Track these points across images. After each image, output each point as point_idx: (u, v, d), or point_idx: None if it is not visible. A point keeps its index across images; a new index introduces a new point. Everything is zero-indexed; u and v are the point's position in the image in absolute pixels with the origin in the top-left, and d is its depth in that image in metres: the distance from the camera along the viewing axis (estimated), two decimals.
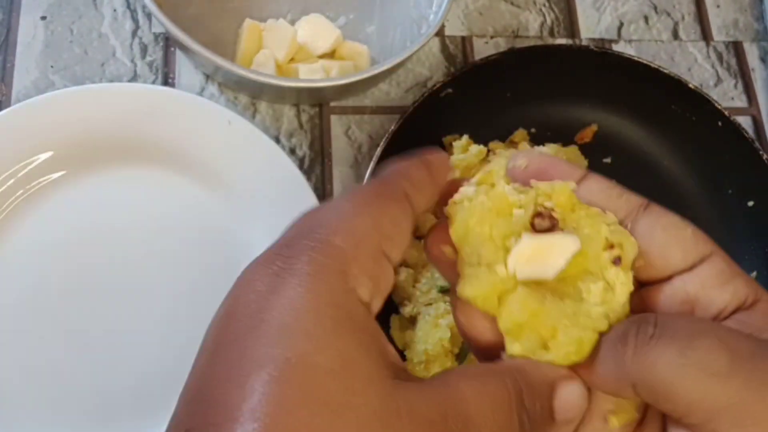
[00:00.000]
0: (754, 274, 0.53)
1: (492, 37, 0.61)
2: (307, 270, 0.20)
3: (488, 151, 0.52)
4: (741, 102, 0.62)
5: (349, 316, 0.20)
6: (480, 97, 0.54)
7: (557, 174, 0.24)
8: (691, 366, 0.20)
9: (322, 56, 0.55)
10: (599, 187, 0.24)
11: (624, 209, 0.24)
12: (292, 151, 0.54)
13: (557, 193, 0.23)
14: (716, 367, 0.20)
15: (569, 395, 0.22)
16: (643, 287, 0.24)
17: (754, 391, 0.20)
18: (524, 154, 0.25)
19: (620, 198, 0.24)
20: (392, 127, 0.50)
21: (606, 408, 0.24)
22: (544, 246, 0.23)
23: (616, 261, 0.23)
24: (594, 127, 0.56)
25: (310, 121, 0.55)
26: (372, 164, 0.49)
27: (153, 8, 0.48)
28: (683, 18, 0.64)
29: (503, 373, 0.22)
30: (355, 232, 0.22)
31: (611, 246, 0.23)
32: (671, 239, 0.23)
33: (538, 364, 0.22)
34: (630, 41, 0.63)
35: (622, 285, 0.23)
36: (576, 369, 0.23)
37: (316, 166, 0.54)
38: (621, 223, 0.24)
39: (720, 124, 0.54)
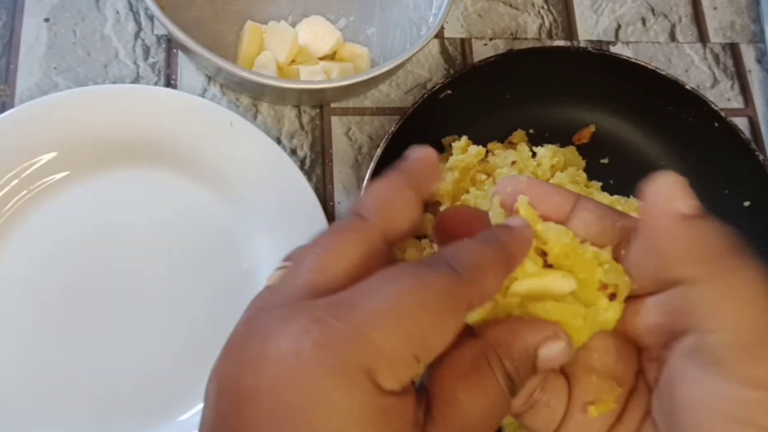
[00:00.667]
0: None
1: (491, 39, 0.61)
2: (341, 370, 0.20)
3: (487, 152, 0.52)
4: (737, 103, 0.62)
5: (389, 422, 0.20)
6: (479, 98, 0.54)
7: (551, 204, 0.25)
8: (765, 291, 0.21)
9: (322, 58, 0.56)
10: (592, 217, 0.25)
11: (618, 237, 0.25)
12: (293, 152, 0.55)
13: (554, 240, 0.24)
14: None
15: (550, 351, 0.23)
16: None
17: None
18: (510, 182, 0.26)
19: (614, 227, 0.25)
20: (392, 128, 0.50)
21: (585, 399, 0.24)
22: (542, 284, 0.24)
23: (612, 297, 0.24)
24: (592, 128, 0.57)
25: (311, 122, 0.56)
26: (372, 165, 0.50)
27: (155, 10, 0.48)
28: (680, 20, 0.65)
29: (485, 354, 0.22)
30: (394, 336, 0.20)
31: (606, 286, 0.24)
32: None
33: (520, 330, 0.23)
34: (627, 43, 0.63)
35: (614, 312, 0.24)
36: None
37: (317, 167, 0.55)
38: (616, 250, 0.25)
39: (717, 125, 0.54)
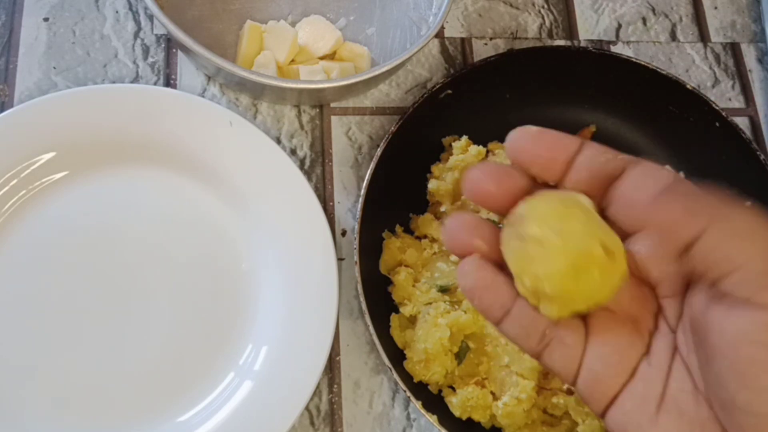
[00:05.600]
0: None
1: (491, 39, 0.61)
2: None
3: (487, 152, 0.52)
4: (738, 103, 0.62)
5: None
6: (479, 98, 0.54)
7: (560, 146, 0.26)
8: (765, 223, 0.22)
9: (322, 57, 0.56)
10: (595, 152, 0.25)
11: (610, 177, 0.25)
12: (292, 152, 0.55)
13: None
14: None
15: None
16: None
17: None
18: (518, 134, 0.27)
19: (615, 160, 0.25)
20: (392, 128, 0.50)
21: (603, 334, 0.25)
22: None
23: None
24: (592, 128, 0.57)
25: (310, 122, 0.56)
26: (372, 165, 0.50)
27: (155, 10, 0.48)
28: (681, 19, 0.65)
29: None
30: None
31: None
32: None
33: None
34: (628, 42, 0.63)
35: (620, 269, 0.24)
36: None
37: (317, 167, 0.55)
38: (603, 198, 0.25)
39: (717, 124, 0.54)
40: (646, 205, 0.23)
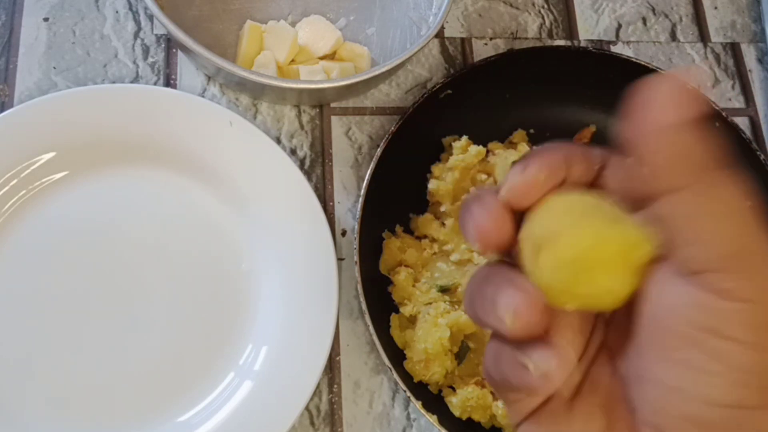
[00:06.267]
0: None
1: (491, 39, 0.61)
2: None
3: (487, 151, 0.52)
4: (738, 103, 0.62)
5: None
6: (479, 98, 0.54)
7: (584, 165, 0.24)
8: (745, 209, 0.20)
9: (322, 57, 0.56)
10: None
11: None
12: (292, 152, 0.55)
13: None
14: (758, 222, 0.21)
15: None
16: None
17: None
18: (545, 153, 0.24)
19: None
20: (392, 128, 0.50)
21: None
22: None
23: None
24: (592, 128, 0.57)
25: (310, 122, 0.56)
26: (372, 165, 0.50)
27: (155, 10, 0.48)
28: (681, 19, 0.65)
29: None
30: None
31: None
32: None
33: None
34: (628, 42, 0.63)
35: None
36: None
37: (317, 167, 0.55)
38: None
39: (717, 124, 0.54)
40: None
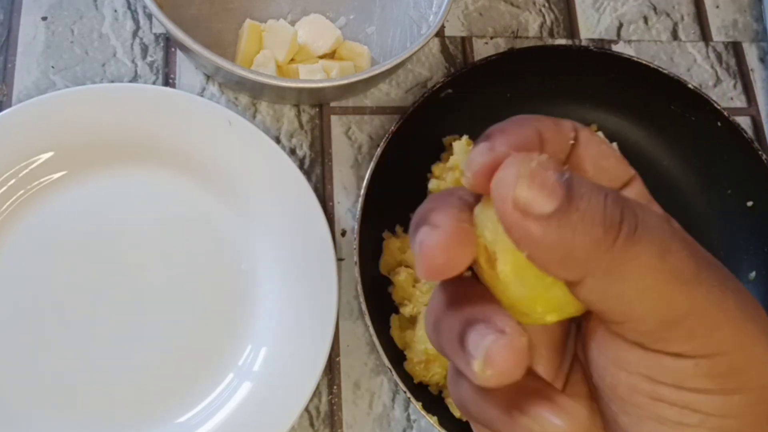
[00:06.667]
0: (753, 274, 0.53)
1: (492, 38, 0.61)
2: None
3: None
4: (740, 102, 0.62)
5: None
6: (480, 97, 0.54)
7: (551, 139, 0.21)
8: (666, 272, 0.18)
9: (322, 57, 0.56)
10: (600, 152, 0.22)
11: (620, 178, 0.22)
12: (292, 152, 0.54)
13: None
14: (686, 274, 0.18)
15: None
16: None
17: (714, 298, 0.18)
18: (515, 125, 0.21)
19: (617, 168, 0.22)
20: (392, 128, 0.50)
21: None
22: None
23: None
24: (593, 128, 0.56)
25: (310, 122, 0.56)
26: (372, 164, 0.49)
27: (154, 9, 0.48)
28: (682, 18, 0.64)
29: None
30: None
31: None
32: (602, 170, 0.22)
33: None
34: (629, 42, 0.63)
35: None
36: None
37: (317, 167, 0.54)
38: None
39: (719, 124, 0.54)
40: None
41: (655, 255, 0.18)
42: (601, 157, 0.21)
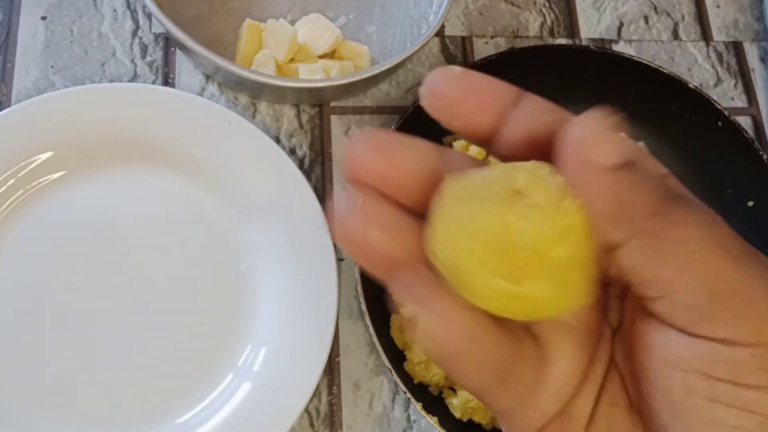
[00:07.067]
0: None
1: (492, 38, 0.61)
2: None
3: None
4: (741, 102, 0.62)
5: None
6: None
7: (491, 94, 0.21)
8: (714, 241, 0.18)
9: (322, 56, 0.55)
10: (539, 109, 0.21)
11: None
12: (292, 151, 0.54)
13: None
14: (734, 250, 0.18)
15: None
16: None
17: (765, 282, 0.18)
18: (439, 75, 0.21)
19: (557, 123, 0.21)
20: (392, 128, 0.50)
21: (563, 365, 0.20)
22: None
23: None
24: None
25: (310, 122, 0.55)
26: None
27: (153, 8, 0.48)
28: (683, 18, 0.64)
29: None
30: None
31: None
32: None
33: None
34: (630, 41, 0.63)
35: None
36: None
37: (316, 166, 0.54)
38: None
39: (720, 124, 0.54)
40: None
41: (705, 225, 0.18)
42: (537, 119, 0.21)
